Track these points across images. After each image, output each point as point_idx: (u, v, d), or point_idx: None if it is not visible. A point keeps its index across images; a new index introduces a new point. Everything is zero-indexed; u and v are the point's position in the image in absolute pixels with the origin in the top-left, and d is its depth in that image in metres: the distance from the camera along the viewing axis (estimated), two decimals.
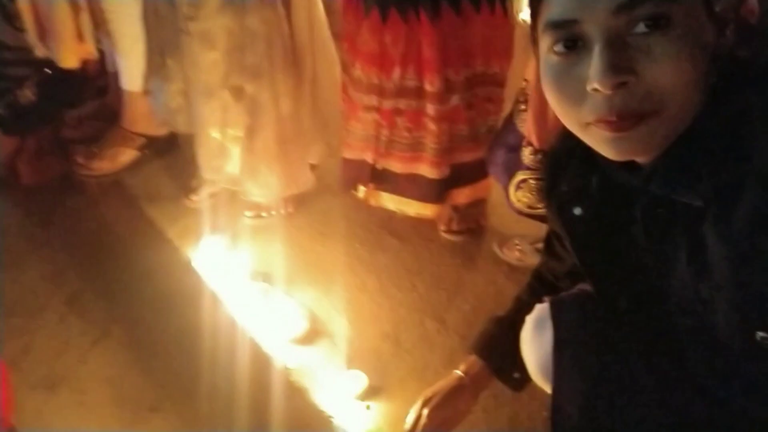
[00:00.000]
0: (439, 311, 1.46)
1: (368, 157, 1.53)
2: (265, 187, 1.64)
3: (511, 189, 1.40)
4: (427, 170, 1.49)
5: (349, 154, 1.56)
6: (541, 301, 0.95)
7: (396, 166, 1.52)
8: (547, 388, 0.82)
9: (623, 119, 0.61)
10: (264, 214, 1.71)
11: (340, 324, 1.44)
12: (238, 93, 1.55)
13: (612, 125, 0.62)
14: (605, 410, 0.75)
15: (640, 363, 0.75)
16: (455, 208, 1.63)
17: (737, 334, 0.64)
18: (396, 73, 1.41)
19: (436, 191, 1.52)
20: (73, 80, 2.15)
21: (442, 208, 1.59)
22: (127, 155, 1.90)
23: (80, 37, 1.73)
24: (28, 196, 2.20)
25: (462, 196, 1.58)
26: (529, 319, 0.87)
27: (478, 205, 1.64)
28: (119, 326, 1.53)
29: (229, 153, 1.64)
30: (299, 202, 1.74)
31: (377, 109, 1.47)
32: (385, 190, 1.56)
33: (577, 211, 0.77)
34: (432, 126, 1.43)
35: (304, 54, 1.58)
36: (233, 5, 1.44)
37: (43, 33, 1.70)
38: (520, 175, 1.38)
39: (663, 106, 0.60)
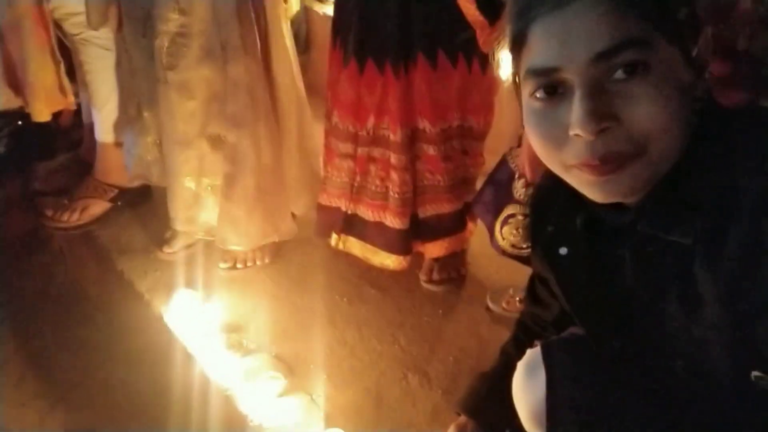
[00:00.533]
0: (421, 364, 1.41)
1: (342, 204, 1.53)
2: (244, 236, 1.60)
3: (497, 225, 1.39)
4: (390, 219, 1.49)
5: (324, 201, 1.56)
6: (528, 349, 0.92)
7: (366, 213, 1.52)
8: None
9: (606, 163, 0.61)
10: (239, 265, 1.66)
11: (318, 379, 1.38)
12: (215, 142, 1.54)
13: (595, 169, 0.62)
14: None
15: (634, 404, 0.72)
16: (435, 258, 1.60)
17: (732, 373, 0.63)
18: (370, 122, 1.42)
19: (401, 242, 1.51)
20: (46, 132, 2.13)
21: (410, 259, 1.56)
22: (98, 207, 1.85)
23: (61, 88, 1.71)
24: None
25: (439, 248, 1.57)
26: (521, 365, 0.85)
27: (458, 254, 1.61)
28: (82, 387, 1.44)
29: (204, 203, 1.62)
30: (276, 253, 1.70)
31: (352, 157, 1.47)
32: (354, 236, 1.55)
33: (563, 251, 0.77)
34: (394, 175, 1.44)
35: (287, 104, 1.58)
36: (215, 55, 1.44)
37: (17, 84, 1.68)
38: (509, 209, 1.36)
39: (644, 150, 0.61)
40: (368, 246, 1.55)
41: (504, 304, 1.52)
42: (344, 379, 1.38)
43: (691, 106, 0.61)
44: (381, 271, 1.63)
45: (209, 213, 1.62)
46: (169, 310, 1.55)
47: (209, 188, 1.59)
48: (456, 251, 1.60)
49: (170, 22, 1.40)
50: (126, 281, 1.68)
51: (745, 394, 0.62)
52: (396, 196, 1.46)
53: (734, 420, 0.65)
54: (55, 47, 1.64)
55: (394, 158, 1.43)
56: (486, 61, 1.41)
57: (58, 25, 1.68)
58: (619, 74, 0.59)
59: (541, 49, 0.62)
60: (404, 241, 1.51)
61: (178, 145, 1.54)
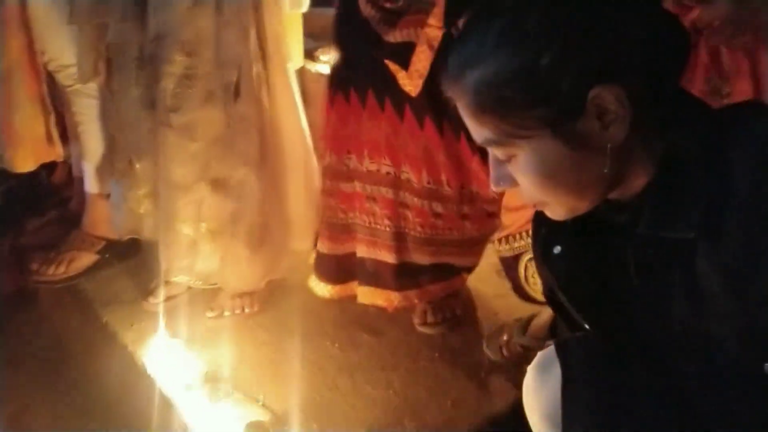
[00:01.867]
0: (417, 409, 1.34)
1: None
2: (248, 275, 1.56)
3: (521, 272, 1.36)
4: (320, 244, 1.49)
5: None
6: None
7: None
8: None
9: (531, 204, 0.76)
10: (227, 313, 1.61)
11: (308, 428, 1.30)
12: (216, 184, 1.51)
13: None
14: None
15: (649, 399, 0.69)
16: (428, 301, 1.55)
17: (743, 367, 0.61)
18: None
19: (329, 269, 1.51)
20: (37, 190, 2.12)
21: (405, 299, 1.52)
22: (85, 259, 1.81)
23: (49, 139, 1.71)
24: None
25: (436, 290, 1.52)
26: (532, 367, 0.82)
27: (453, 295, 1.56)
28: None
29: (200, 250, 1.56)
30: (265, 300, 1.65)
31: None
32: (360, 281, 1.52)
33: (557, 249, 0.79)
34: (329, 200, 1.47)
35: (292, 144, 1.57)
36: (217, 97, 1.43)
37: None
38: (527, 256, 1.37)
39: (546, 202, 0.72)
40: (361, 287, 1.51)
41: (505, 352, 1.45)
42: (336, 427, 1.31)
43: (599, 158, 0.66)
44: (374, 316, 1.58)
45: (206, 260, 1.57)
46: (154, 362, 1.48)
47: (207, 234, 1.55)
48: (453, 291, 1.55)
49: (176, 63, 1.40)
50: (110, 333, 1.62)
51: (757, 387, 0.60)
52: (327, 220, 1.48)
53: (747, 414, 0.62)
54: (47, 98, 1.65)
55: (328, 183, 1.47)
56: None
57: (50, 77, 1.69)
58: (502, 158, 0.71)
59: None
60: (332, 270, 1.52)
61: (177, 190, 1.50)
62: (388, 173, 1.41)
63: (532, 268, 1.47)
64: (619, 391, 0.72)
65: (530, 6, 0.65)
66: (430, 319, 1.54)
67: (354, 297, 1.54)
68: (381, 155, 1.40)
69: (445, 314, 1.55)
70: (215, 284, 1.61)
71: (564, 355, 0.77)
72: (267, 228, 1.53)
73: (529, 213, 1.27)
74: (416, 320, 1.55)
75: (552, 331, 1.05)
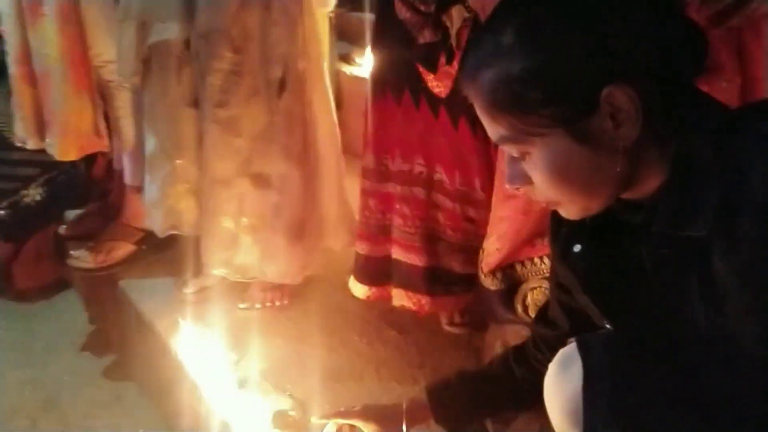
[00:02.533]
0: None
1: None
2: (286, 268, 1.58)
3: (518, 306, 1.34)
4: (358, 245, 1.49)
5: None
6: (510, 372, 1.05)
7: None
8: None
9: (544, 203, 0.77)
10: (258, 305, 1.64)
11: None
12: (258, 180, 1.54)
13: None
14: None
15: (671, 395, 0.69)
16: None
17: (762, 364, 0.61)
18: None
19: (365, 270, 1.50)
20: (79, 182, 2.19)
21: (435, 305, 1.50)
22: (123, 249, 1.87)
23: (96, 131, 1.77)
24: (17, 299, 2.17)
25: (468, 299, 1.50)
26: (553, 363, 0.82)
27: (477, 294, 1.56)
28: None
29: (241, 243, 1.58)
30: (295, 294, 1.67)
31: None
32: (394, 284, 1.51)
33: (577, 248, 0.80)
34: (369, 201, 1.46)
35: (327, 140, 1.59)
36: (262, 92, 1.46)
37: (41, 126, 1.74)
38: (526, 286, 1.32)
39: (559, 201, 0.74)
40: (395, 289, 1.50)
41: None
42: None
43: (610, 157, 0.67)
44: (402, 314, 1.59)
45: (245, 254, 1.59)
46: (186, 350, 1.52)
47: (247, 228, 1.57)
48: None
49: (224, 59, 1.43)
50: (145, 321, 1.67)
51: None
52: (362, 221, 1.48)
53: (758, 403, 0.62)
54: (95, 91, 1.71)
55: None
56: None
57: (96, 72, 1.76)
58: (516, 155, 0.72)
59: None
60: (369, 272, 1.50)
61: (219, 185, 1.53)
62: (420, 173, 1.41)
63: (533, 296, 1.38)
64: (640, 388, 0.71)
65: (544, 6, 0.67)
66: (457, 319, 1.54)
67: (390, 299, 1.53)
68: (414, 154, 1.40)
69: (473, 315, 1.55)
70: (254, 278, 1.63)
71: (585, 352, 0.76)
72: (306, 223, 1.55)
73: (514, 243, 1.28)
74: (444, 320, 1.55)
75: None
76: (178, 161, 1.62)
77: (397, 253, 1.47)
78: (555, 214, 0.84)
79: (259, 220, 1.55)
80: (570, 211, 0.75)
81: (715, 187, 0.63)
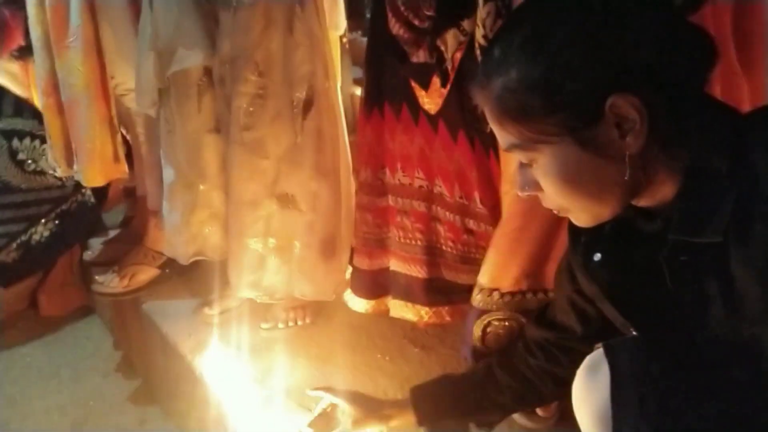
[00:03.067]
0: None
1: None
2: (320, 285, 1.58)
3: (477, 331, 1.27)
4: (356, 260, 1.49)
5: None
6: (492, 378, 1.08)
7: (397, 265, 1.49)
8: None
9: (555, 210, 0.78)
10: (281, 325, 1.65)
11: None
12: (285, 200, 1.55)
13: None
14: None
15: (698, 399, 0.69)
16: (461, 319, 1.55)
17: None
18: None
19: (365, 285, 1.49)
20: (91, 211, 2.21)
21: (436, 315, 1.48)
22: (147, 273, 1.89)
23: (116, 158, 1.81)
24: (43, 326, 2.21)
25: (468, 309, 1.50)
26: (581, 370, 0.82)
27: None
28: None
29: (269, 264, 1.59)
30: (317, 313, 1.68)
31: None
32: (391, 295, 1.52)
33: (597, 257, 0.81)
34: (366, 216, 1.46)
35: (344, 158, 1.61)
36: (286, 114, 1.47)
37: (70, 154, 1.79)
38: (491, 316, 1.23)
39: (568, 208, 0.75)
40: (393, 300, 1.50)
41: None
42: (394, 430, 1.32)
43: (619, 165, 0.68)
44: (424, 331, 1.60)
45: (273, 275, 1.60)
46: (210, 370, 1.53)
47: (275, 249, 1.58)
48: None
49: (249, 83, 1.46)
50: (169, 344, 1.68)
51: None
52: (361, 236, 1.48)
53: None
54: (114, 119, 1.75)
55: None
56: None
57: (117, 100, 1.80)
58: (525, 161, 0.74)
59: None
60: (369, 286, 1.50)
61: (246, 206, 1.54)
62: (420, 186, 1.41)
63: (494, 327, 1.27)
64: (667, 392, 0.71)
65: (551, 16, 0.69)
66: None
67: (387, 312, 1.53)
68: (414, 168, 1.41)
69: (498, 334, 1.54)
70: (281, 299, 1.63)
71: (612, 357, 0.77)
72: (337, 239, 1.56)
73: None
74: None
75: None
76: (201, 186, 1.64)
77: (395, 266, 1.48)
78: (572, 225, 0.85)
79: (286, 240, 1.56)
80: (580, 218, 0.76)
81: (728, 194, 0.64)
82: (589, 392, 0.78)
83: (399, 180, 1.42)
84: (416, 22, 1.29)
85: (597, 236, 0.81)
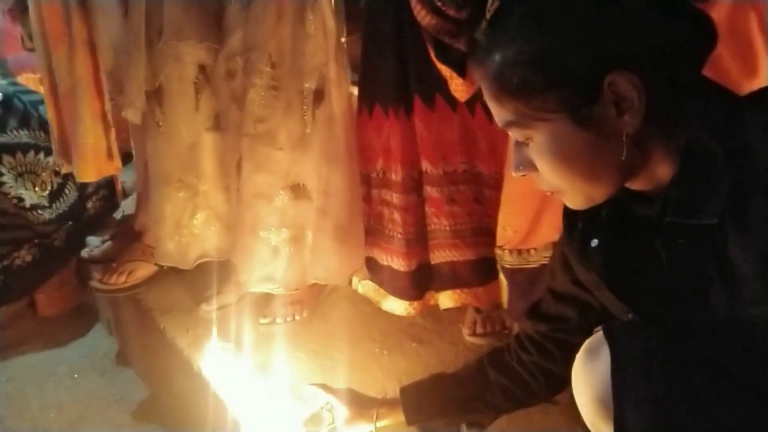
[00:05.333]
0: None
1: None
2: (335, 267, 1.56)
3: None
4: (397, 262, 1.48)
5: None
6: (484, 376, 1.08)
7: (380, 256, 1.52)
8: (602, 418, 0.73)
9: (549, 192, 0.77)
10: (279, 320, 1.65)
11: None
12: (297, 190, 1.54)
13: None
14: (676, 424, 0.66)
15: (700, 381, 0.68)
16: (478, 311, 1.56)
17: None
18: (379, 164, 1.46)
19: (407, 286, 1.49)
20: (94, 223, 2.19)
21: (420, 307, 1.53)
22: (145, 270, 1.88)
23: (109, 154, 1.80)
24: (41, 325, 2.20)
25: (452, 299, 1.52)
26: (580, 353, 0.81)
27: (501, 306, 1.56)
28: None
29: (281, 256, 1.57)
30: (315, 309, 1.68)
31: (366, 200, 1.52)
32: (372, 280, 1.56)
33: (594, 242, 0.80)
34: (396, 215, 1.45)
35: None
36: (296, 105, 1.46)
37: (68, 150, 1.78)
38: None
39: (563, 189, 0.75)
40: (380, 290, 1.54)
41: None
42: (384, 428, 1.31)
43: (614, 145, 0.68)
44: (422, 326, 1.61)
45: (288, 266, 1.57)
46: (209, 365, 1.53)
47: (289, 240, 1.56)
48: (493, 302, 1.54)
49: (264, 74, 1.45)
50: (167, 339, 1.68)
51: None
52: (399, 237, 1.46)
53: None
54: (109, 115, 1.74)
55: (396, 198, 1.44)
56: None
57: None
58: (521, 140, 0.74)
59: None
60: (411, 286, 1.49)
61: (260, 199, 1.52)
62: (464, 170, 1.42)
63: None
64: (667, 374, 0.70)
65: None
66: (479, 329, 1.54)
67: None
68: (456, 155, 1.42)
69: (495, 326, 1.55)
70: (296, 289, 1.62)
71: (612, 340, 0.76)
72: (352, 223, 1.55)
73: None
74: (465, 330, 1.55)
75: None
76: (202, 187, 1.63)
77: (441, 257, 1.49)
78: (567, 211, 0.85)
79: (299, 230, 1.55)
80: (574, 200, 0.76)
81: (724, 175, 0.64)
82: (589, 374, 0.77)
83: (443, 170, 1.42)
84: (452, 13, 1.24)
85: (593, 223, 0.81)
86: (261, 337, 1.61)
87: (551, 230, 1.29)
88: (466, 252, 1.47)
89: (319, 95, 1.46)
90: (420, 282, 1.50)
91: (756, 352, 0.65)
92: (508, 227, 1.35)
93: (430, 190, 1.44)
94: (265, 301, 1.68)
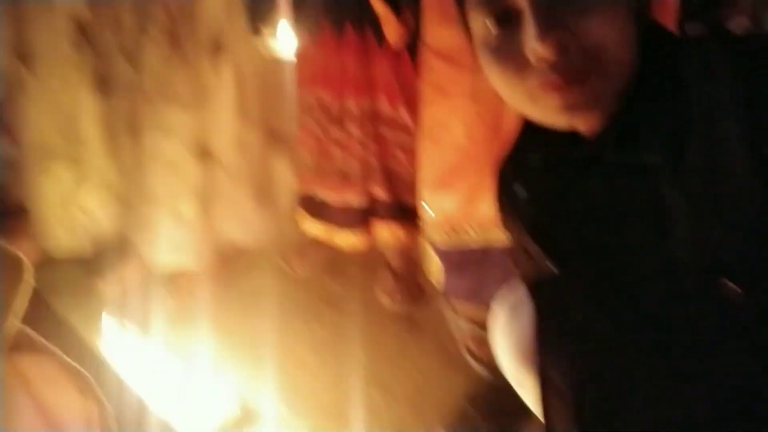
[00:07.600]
0: (386, 381, 1.32)
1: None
2: (252, 228, 1.54)
3: None
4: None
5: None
6: None
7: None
8: (524, 372, 0.72)
9: (569, 81, 0.60)
10: (186, 296, 1.55)
11: (275, 405, 1.27)
12: (205, 155, 1.46)
13: (559, 88, 0.60)
14: (599, 374, 0.66)
15: (621, 327, 0.67)
16: (394, 275, 1.54)
17: (701, 285, 0.60)
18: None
19: (358, 218, 1.48)
20: None
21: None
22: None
23: None
24: None
25: (386, 233, 1.50)
26: (502, 308, 0.79)
27: (417, 269, 1.54)
28: None
29: (194, 226, 1.51)
30: (226, 282, 1.60)
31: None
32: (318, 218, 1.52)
33: (523, 195, 0.75)
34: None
35: None
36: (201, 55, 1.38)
37: None
38: None
39: (601, 63, 0.60)
40: (331, 227, 1.51)
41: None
42: (303, 402, 1.28)
43: (634, 24, 0.61)
44: (338, 293, 1.57)
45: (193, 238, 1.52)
46: (108, 346, 1.42)
47: (199, 208, 1.50)
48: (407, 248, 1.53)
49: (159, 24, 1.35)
50: (62, 320, 1.55)
51: (713, 305, 0.59)
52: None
53: (702, 328, 0.62)
54: None
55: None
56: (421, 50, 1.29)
57: None
58: None
59: None
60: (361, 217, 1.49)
61: (168, 167, 1.45)
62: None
63: None
64: (590, 327, 0.70)
65: None
66: (396, 294, 1.53)
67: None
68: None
69: (411, 289, 1.53)
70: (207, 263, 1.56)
71: (537, 294, 0.75)
72: (268, 185, 1.51)
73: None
74: (383, 297, 1.53)
75: None
76: (88, 158, 1.50)
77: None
78: (499, 166, 0.82)
79: (207, 197, 1.47)
80: (598, 87, 0.63)
81: (662, 113, 0.62)
82: (510, 329, 0.76)
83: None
84: None
85: (521, 167, 0.76)
86: (169, 313, 1.51)
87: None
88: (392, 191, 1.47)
89: (218, 49, 1.37)
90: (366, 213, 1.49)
91: (684, 301, 0.64)
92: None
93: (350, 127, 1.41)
94: (170, 278, 1.58)
